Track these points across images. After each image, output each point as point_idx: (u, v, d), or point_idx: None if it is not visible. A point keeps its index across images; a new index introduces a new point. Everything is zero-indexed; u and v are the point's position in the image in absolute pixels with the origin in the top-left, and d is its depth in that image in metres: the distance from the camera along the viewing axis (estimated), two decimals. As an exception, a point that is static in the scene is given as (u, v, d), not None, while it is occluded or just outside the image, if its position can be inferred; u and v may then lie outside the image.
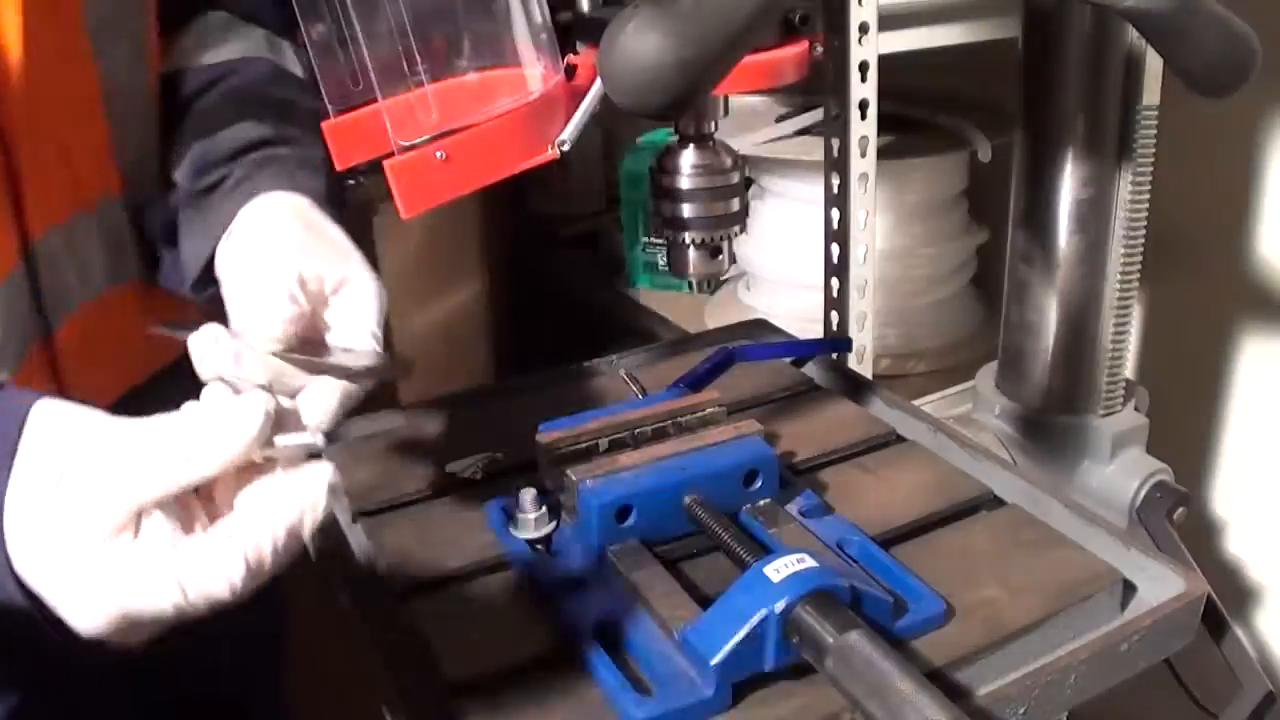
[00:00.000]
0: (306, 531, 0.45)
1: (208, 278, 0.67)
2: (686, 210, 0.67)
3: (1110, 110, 0.81)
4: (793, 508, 0.64)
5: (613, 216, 1.62)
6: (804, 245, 1.10)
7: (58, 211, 0.67)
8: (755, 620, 0.50)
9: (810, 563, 0.52)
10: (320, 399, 0.56)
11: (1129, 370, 0.90)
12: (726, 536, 0.59)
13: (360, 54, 0.55)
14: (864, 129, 0.94)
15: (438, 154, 0.54)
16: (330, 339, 0.61)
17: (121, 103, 0.71)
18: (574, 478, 0.61)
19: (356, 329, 0.60)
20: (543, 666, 0.54)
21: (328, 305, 0.61)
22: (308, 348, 0.58)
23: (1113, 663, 0.55)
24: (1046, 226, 0.86)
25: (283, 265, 0.60)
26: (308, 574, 0.68)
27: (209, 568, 0.43)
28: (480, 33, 0.58)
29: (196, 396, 0.46)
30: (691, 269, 0.69)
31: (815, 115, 1.23)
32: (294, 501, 0.45)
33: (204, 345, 0.55)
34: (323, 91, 0.64)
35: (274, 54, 0.79)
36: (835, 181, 0.97)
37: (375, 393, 0.60)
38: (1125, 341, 0.88)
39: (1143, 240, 0.85)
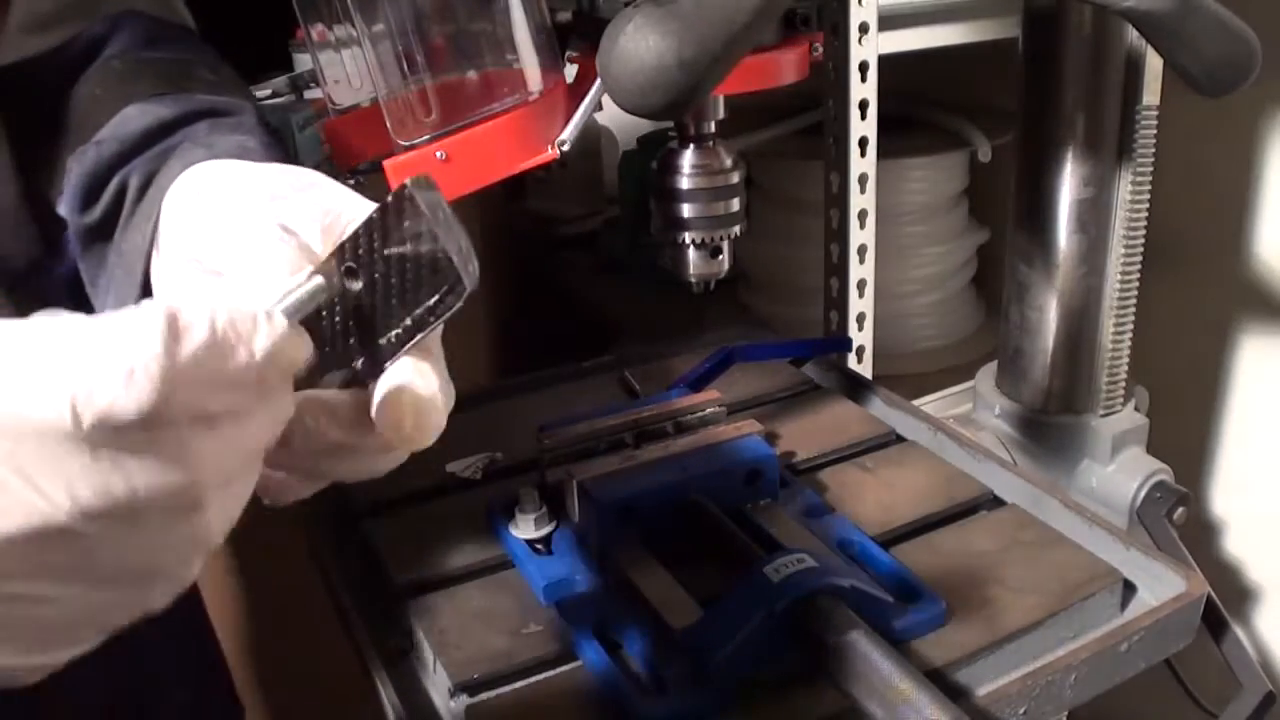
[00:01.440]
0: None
1: None
2: (686, 210, 0.67)
3: (1110, 110, 0.81)
4: (793, 508, 0.64)
5: (613, 216, 1.62)
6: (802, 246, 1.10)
7: None
8: (755, 620, 0.50)
9: (810, 563, 0.52)
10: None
11: (1128, 370, 0.90)
12: (727, 536, 0.59)
13: (361, 54, 0.55)
14: (864, 129, 0.94)
15: (438, 154, 0.54)
16: None
17: None
18: (574, 478, 0.61)
19: None
20: (543, 666, 0.54)
21: None
22: None
23: (1113, 663, 0.55)
24: (1046, 226, 0.86)
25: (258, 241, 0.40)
26: (307, 573, 0.68)
27: None
28: (480, 33, 0.58)
29: None
30: (691, 269, 0.69)
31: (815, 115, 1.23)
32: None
33: None
34: (324, 92, 0.64)
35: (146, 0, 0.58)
36: (835, 181, 0.97)
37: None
38: (1125, 341, 0.88)
39: (1143, 240, 0.85)
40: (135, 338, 0.28)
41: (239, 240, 0.40)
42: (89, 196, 0.50)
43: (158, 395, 0.28)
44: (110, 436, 0.28)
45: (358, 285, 0.36)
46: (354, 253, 0.36)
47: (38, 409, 0.27)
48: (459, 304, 0.35)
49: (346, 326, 0.37)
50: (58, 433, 0.27)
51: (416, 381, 0.36)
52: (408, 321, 0.36)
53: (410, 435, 0.36)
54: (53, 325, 0.28)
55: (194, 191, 0.46)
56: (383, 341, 0.37)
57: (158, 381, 0.28)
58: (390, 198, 0.35)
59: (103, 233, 0.51)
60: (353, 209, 0.42)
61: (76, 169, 0.51)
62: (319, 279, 0.36)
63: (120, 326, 0.28)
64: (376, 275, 0.36)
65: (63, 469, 0.27)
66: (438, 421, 0.36)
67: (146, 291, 0.48)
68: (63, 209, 0.52)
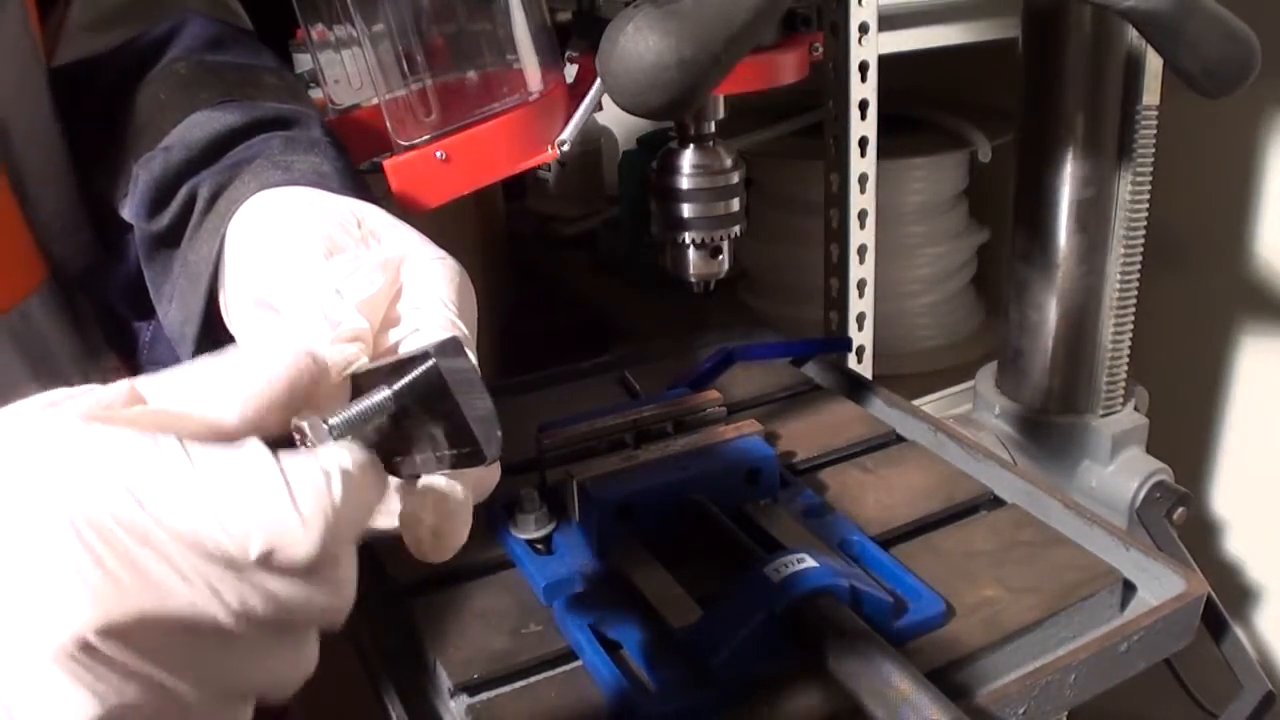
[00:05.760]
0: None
1: (216, 338, 0.48)
2: (686, 210, 0.67)
3: (1110, 110, 0.81)
4: (793, 508, 0.64)
5: (612, 216, 1.62)
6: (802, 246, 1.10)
7: None
8: (755, 620, 0.50)
9: (810, 563, 0.52)
10: None
11: (1128, 370, 0.90)
12: (727, 537, 0.59)
13: (361, 54, 0.55)
14: (864, 129, 0.94)
15: (438, 154, 0.54)
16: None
17: (20, 137, 0.50)
18: (574, 478, 0.61)
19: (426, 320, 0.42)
20: (543, 666, 0.54)
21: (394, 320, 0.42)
22: None
23: (1113, 663, 0.55)
24: (1046, 226, 0.85)
25: (301, 292, 0.41)
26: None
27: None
28: (480, 33, 0.58)
29: None
30: (691, 269, 0.69)
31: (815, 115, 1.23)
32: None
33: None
34: (324, 92, 0.64)
35: (205, 2, 0.58)
36: (835, 181, 0.97)
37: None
38: (1125, 341, 0.88)
39: (1143, 240, 0.85)
40: (310, 488, 0.30)
41: (292, 305, 0.41)
42: (156, 204, 0.50)
43: (324, 543, 0.31)
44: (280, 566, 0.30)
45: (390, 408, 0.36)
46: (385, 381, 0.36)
47: (221, 541, 0.29)
48: (480, 465, 0.36)
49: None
50: (234, 560, 0.29)
51: (428, 505, 0.37)
52: (438, 454, 0.36)
53: (423, 552, 0.38)
54: (244, 463, 0.30)
55: (263, 222, 0.45)
56: (417, 459, 0.37)
57: (324, 532, 0.30)
58: (412, 359, 0.35)
59: (169, 240, 0.50)
60: (411, 259, 0.43)
61: (144, 175, 0.50)
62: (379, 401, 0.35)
63: (299, 473, 0.30)
64: (402, 416, 0.36)
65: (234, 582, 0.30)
66: (451, 544, 0.38)
67: (210, 303, 0.47)
68: (127, 214, 0.51)
